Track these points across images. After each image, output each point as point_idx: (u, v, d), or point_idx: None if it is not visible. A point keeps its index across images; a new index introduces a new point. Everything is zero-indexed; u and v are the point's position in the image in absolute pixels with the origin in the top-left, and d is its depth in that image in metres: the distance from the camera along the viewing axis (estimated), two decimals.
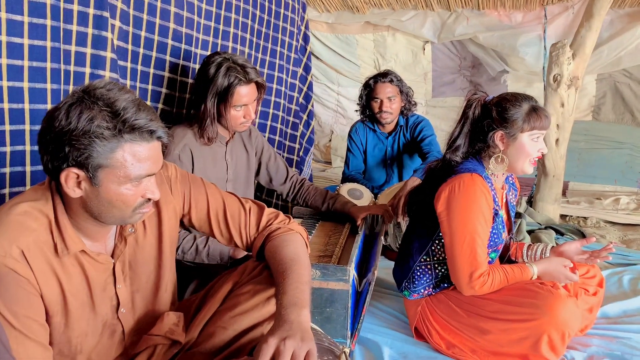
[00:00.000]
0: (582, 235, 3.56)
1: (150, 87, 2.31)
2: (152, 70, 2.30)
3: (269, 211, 1.56)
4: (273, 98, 3.19)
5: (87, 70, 1.91)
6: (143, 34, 2.23)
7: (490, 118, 1.86)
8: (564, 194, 4.20)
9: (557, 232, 3.56)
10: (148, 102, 2.30)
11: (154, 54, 2.29)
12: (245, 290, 1.40)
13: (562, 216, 4.08)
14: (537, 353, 1.82)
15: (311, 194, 2.58)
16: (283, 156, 3.34)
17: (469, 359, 1.97)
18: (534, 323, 1.78)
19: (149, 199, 1.29)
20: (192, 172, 2.15)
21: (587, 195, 4.49)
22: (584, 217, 4.10)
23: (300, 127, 3.56)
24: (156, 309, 1.45)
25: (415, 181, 2.56)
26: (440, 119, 4.92)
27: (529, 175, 3.51)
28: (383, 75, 3.20)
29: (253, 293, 1.38)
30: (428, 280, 2.04)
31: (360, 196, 2.94)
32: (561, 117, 3.69)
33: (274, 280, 1.35)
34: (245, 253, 2.03)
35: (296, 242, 1.46)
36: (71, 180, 1.20)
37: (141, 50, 2.23)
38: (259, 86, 2.21)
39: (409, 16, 4.89)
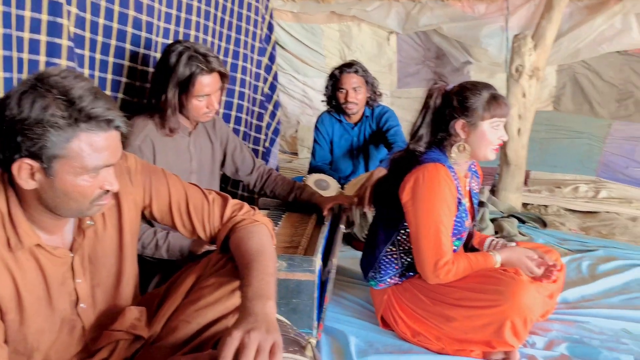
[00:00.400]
0: (543, 223, 3.62)
1: (109, 76, 2.25)
2: (111, 59, 2.24)
3: (233, 202, 1.53)
4: (237, 88, 3.15)
5: (42, 58, 1.85)
6: (101, 21, 2.17)
7: (451, 107, 1.87)
8: (525, 182, 4.22)
9: (520, 220, 3.59)
10: (107, 92, 2.24)
11: (113, 41, 2.24)
12: (209, 283, 1.38)
13: (524, 204, 4.09)
14: (500, 339, 1.84)
15: (278, 185, 2.56)
16: (248, 147, 3.25)
17: (434, 347, 1.98)
18: (497, 309, 1.79)
19: (108, 191, 1.25)
20: (154, 164, 2.08)
21: (548, 184, 4.51)
22: (545, 205, 4.10)
23: (266, 118, 3.53)
24: (118, 303, 1.41)
25: (381, 171, 2.56)
26: (406, 110, 4.89)
27: (492, 164, 3.69)
28: (348, 66, 3.19)
29: (217, 286, 1.36)
30: (394, 270, 2.05)
31: (327, 187, 2.94)
32: (523, 108, 3.71)
33: (239, 272, 1.32)
34: (207, 248, 2.00)
35: (261, 233, 1.44)
36: (24, 171, 1.16)
37: (99, 38, 2.17)
38: (222, 76, 2.17)
39: (374, 6, 4.84)
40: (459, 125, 1.86)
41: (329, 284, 1.94)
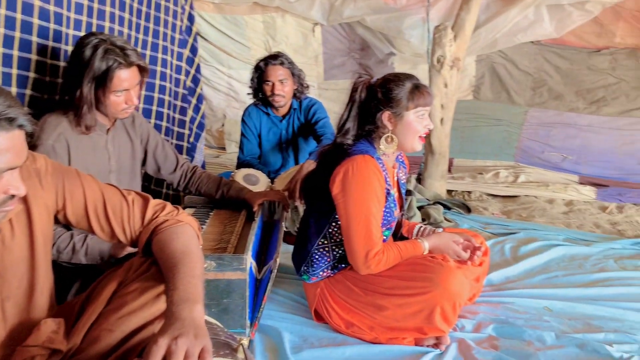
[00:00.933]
0: (467, 209, 3.71)
1: (14, 71, 2.09)
2: (15, 53, 2.08)
3: (154, 202, 1.46)
4: (157, 81, 3.01)
5: None
6: (2, 11, 2.00)
7: (376, 99, 1.88)
8: (449, 170, 4.27)
9: (445, 206, 3.68)
10: (13, 88, 2.08)
11: (17, 34, 2.08)
12: (132, 288, 1.30)
13: (449, 191, 4.14)
14: (431, 325, 1.87)
15: (204, 182, 2.47)
16: (172, 143, 3.18)
17: (367, 336, 1.98)
18: (427, 296, 1.82)
19: (13, 196, 1.15)
20: (69, 164, 1.98)
21: (470, 170, 4.55)
22: (468, 192, 4.18)
23: (190, 112, 3.41)
24: (32, 316, 1.31)
25: (311, 164, 2.53)
26: (333, 102, 4.88)
27: (417, 153, 3.58)
28: (274, 58, 3.15)
29: (141, 291, 1.29)
30: (326, 263, 2.04)
31: (256, 182, 2.88)
32: (445, 97, 3.78)
33: (164, 276, 1.26)
34: (129, 251, 1.91)
35: (186, 234, 1.38)
36: None
37: (1, 30, 2.01)
38: (141, 69, 2.08)
39: None
40: (385, 116, 1.87)
41: (269, 283, 1.92)
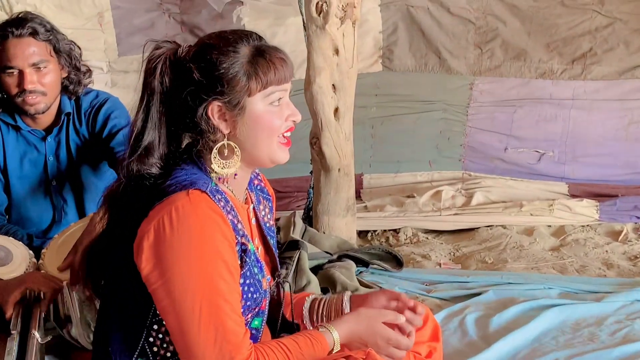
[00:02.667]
0: (397, 261, 3.08)
1: None
2: None
3: None
4: None
5: None
6: None
7: (192, 83, 1.51)
8: (358, 195, 3.72)
9: (359, 261, 3.05)
10: None
11: None
12: None
13: (362, 233, 3.58)
14: None
15: None
16: None
17: None
18: None
19: None
20: None
21: (393, 192, 3.93)
22: (394, 230, 3.59)
23: None
24: None
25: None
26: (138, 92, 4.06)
27: (298, 172, 3.65)
28: (17, 24, 2.54)
29: None
30: None
31: (6, 258, 2.43)
32: (337, 72, 3.08)
33: None
34: None
35: None
36: None
37: None
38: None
39: None
40: (213, 111, 1.51)
41: None
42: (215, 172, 1.55)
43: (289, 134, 1.59)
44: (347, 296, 1.77)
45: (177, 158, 1.54)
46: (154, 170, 1.50)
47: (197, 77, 1.48)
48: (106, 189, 1.65)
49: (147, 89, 1.52)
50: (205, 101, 1.49)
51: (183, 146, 1.56)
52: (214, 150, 1.53)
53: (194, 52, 1.51)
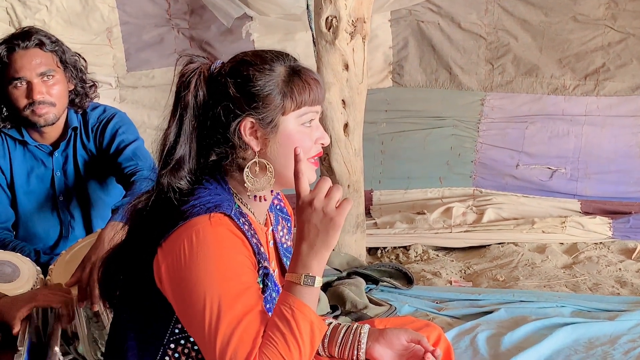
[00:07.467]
0: (407, 279, 3.18)
1: None
2: None
3: None
4: None
5: None
6: None
7: (227, 98, 1.55)
8: (367, 212, 3.78)
9: (368, 279, 3.12)
10: None
11: None
12: None
13: (371, 250, 3.62)
14: None
15: None
16: None
17: None
18: None
19: None
20: None
21: (403, 209, 3.99)
22: (405, 247, 3.62)
23: None
24: None
25: (117, 230, 2.05)
26: (148, 109, 4.04)
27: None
28: (23, 37, 2.57)
29: None
30: None
31: (13, 274, 2.42)
32: (347, 87, 3.18)
33: None
34: None
35: None
36: None
37: None
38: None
39: None
40: (245, 127, 1.55)
41: None
42: (249, 188, 1.57)
43: (316, 156, 1.60)
44: (365, 330, 1.76)
45: (202, 173, 1.57)
46: (183, 183, 1.54)
47: (233, 92, 1.52)
48: (131, 200, 1.70)
49: (180, 103, 1.56)
50: (239, 117, 1.52)
51: (212, 161, 1.58)
52: (246, 169, 1.55)
53: (231, 68, 1.55)
